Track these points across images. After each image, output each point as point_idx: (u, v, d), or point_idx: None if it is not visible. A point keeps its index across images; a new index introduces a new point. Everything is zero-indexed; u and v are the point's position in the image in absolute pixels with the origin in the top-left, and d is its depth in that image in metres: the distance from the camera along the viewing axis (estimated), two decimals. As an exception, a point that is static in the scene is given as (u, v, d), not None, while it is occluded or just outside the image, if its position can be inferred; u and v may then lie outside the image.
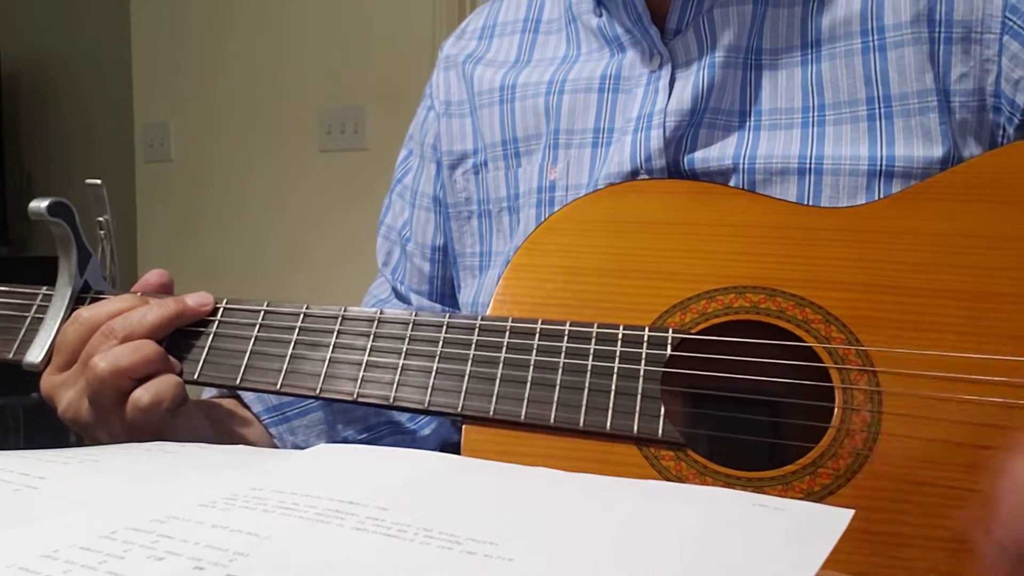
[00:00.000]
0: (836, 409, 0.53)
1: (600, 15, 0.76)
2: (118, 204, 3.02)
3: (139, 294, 0.67)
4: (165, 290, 0.69)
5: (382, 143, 2.35)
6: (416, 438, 0.82)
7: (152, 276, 0.69)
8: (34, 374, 0.65)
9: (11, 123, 3.32)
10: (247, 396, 0.72)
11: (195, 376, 0.63)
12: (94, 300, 0.67)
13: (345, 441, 0.77)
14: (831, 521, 0.36)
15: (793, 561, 0.32)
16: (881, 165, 0.65)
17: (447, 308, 0.87)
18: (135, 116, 2.81)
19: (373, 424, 0.79)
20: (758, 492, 0.51)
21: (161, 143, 2.76)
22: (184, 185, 2.73)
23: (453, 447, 0.99)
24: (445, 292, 0.87)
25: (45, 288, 0.69)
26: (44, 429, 2.47)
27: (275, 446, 0.72)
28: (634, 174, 0.70)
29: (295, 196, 2.52)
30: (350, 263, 2.38)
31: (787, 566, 0.32)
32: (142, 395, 0.60)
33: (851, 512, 0.37)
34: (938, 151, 0.65)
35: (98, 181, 0.69)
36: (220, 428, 0.69)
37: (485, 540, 0.33)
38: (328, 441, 0.76)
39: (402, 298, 0.89)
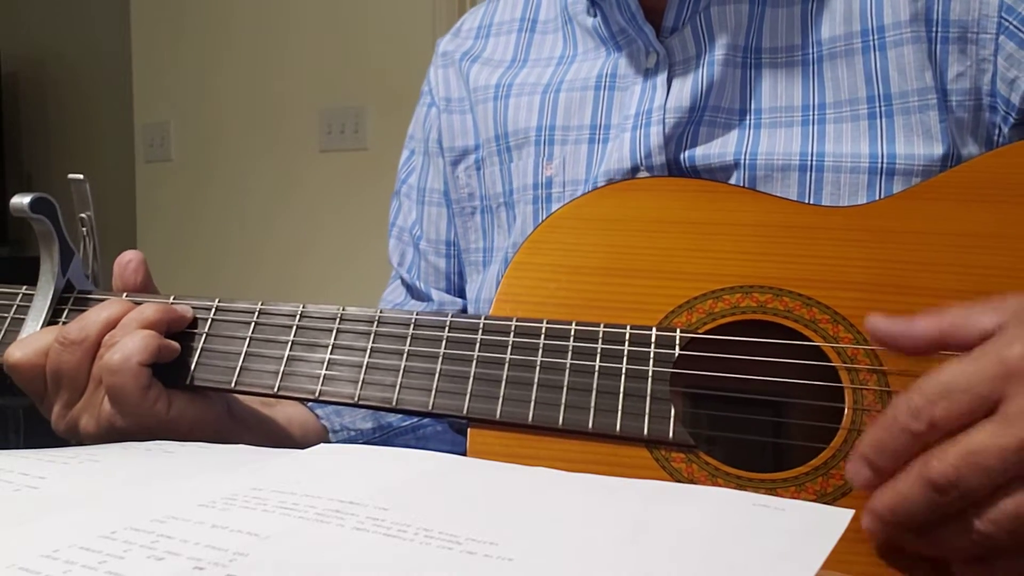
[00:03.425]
0: (846, 410, 0.52)
1: (595, 15, 0.77)
2: (118, 204, 3.00)
3: (124, 295, 0.65)
4: (145, 285, 0.66)
5: (382, 143, 2.35)
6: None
7: (130, 267, 0.65)
8: None
9: (11, 123, 3.32)
10: None
11: (188, 380, 0.61)
12: (77, 300, 0.65)
13: (390, 426, 0.77)
14: (831, 521, 0.36)
15: (793, 561, 0.32)
16: (882, 163, 0.66)
17: (467, 302, 0.87)
18: (135, 116, 2.81)
19: None
20: (771, 494, 0.51)
21: (161, 143, 2.76)
22: (184, 185, 2.73)
23: None
24: (463, 287, 0.87)
25: (25, 287, 0.67)
26: (44, 429, 2.46)
27: (323, 427, 0.72)
28: (634, 170, 0.71)
29: (295, 196, 2.52)
30: (350, 263, 2.38)
31: (787, 566, 0.32)
32: (112, 355, 0.57)
33: (851, 512, 0.37)
34: (938, 149, 0.66)
35: (80, 176, 0.66)
36: (240, 411, 0.66)
37: (485, 540, 0.33)
38: (374, 424, 0.76)
39: (421, 297, 0.89)
